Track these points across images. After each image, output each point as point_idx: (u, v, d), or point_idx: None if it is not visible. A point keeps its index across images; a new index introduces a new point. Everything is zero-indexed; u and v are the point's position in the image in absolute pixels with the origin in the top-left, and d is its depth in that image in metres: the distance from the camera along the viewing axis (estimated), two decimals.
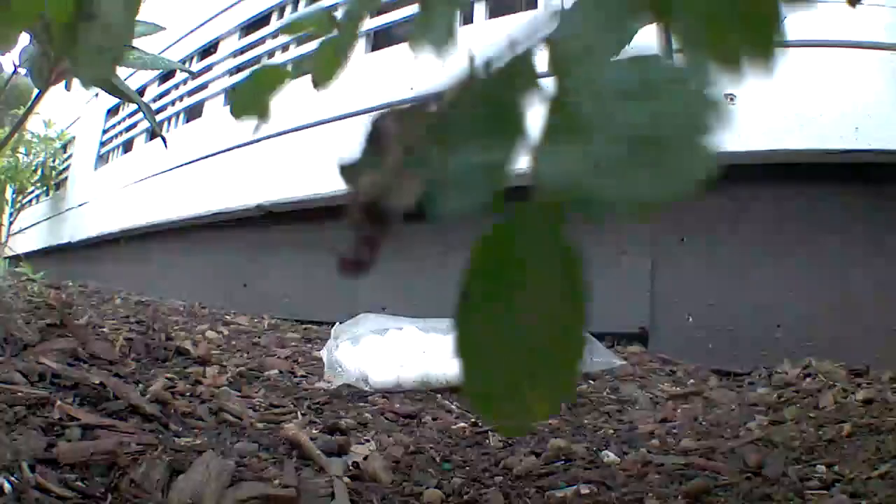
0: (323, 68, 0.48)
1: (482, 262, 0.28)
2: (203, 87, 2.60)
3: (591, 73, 0.26)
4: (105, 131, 3.43)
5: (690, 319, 1.38)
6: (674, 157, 0.24)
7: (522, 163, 0.26)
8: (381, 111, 0.28)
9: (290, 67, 0.50)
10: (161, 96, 2.89)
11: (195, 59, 2.69)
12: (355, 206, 0.26)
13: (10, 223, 4.10)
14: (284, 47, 2.23)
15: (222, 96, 2.47)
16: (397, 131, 0.27)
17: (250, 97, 0.48)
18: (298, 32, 0.50)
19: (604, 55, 0.27)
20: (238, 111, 0.47)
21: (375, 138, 0.27)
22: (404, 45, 1.81)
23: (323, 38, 0.48)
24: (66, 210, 3.61)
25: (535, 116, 0.27)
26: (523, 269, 0.27)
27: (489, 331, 0.28)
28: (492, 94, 0.28)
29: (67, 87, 0.98)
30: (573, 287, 0.27)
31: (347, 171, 0.27)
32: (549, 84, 0.27)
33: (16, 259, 3.45)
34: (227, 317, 1.96)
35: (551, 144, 0.26)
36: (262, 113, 0.49)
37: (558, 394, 0.28)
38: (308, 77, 0.48)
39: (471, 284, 0.27)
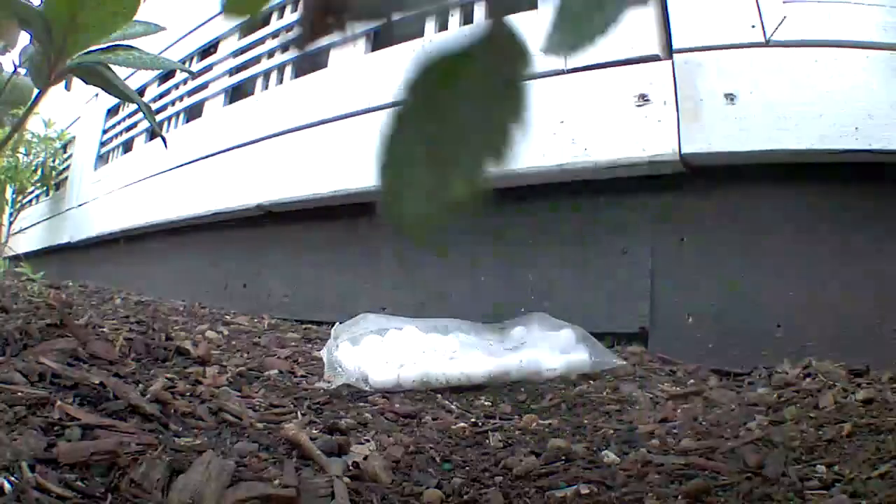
0: None
1: (427, 71, 0.27)
2: (203, 87, 2.59)
3: None
4: (105, 131, 3.43)
5: (690, 319, 1.38)
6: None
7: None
8: None
9: None
10: (161, 96, 2.89)
11: (195, 59, 2.69)
12: None
13: (10, 223, 4.09)
14: (284, 47, 2.23)
15: (222, 96, 2.47)
16: None
17: None
18: None
19: None
20: (231, 9, 0.46)
21: None
22: (404, 45, 1.81)
23: None
24: (66, 210, 3.61)
25: None
26: (468, 68, 0.26)
27: (416, 133, 0.26)
28: None
29: (67, 87, 0.98)
30: (514, 80, 0.26)
31: None
32: None
33: (16, 259, 3.45)
34: (227, 317, 1.96)
35: None
36: (253, 13, 0.48)
37: (479, 173, 0.26)
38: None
39: (409, 86, 0.26)
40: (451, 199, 0.26)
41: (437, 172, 0.26)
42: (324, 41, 0.26)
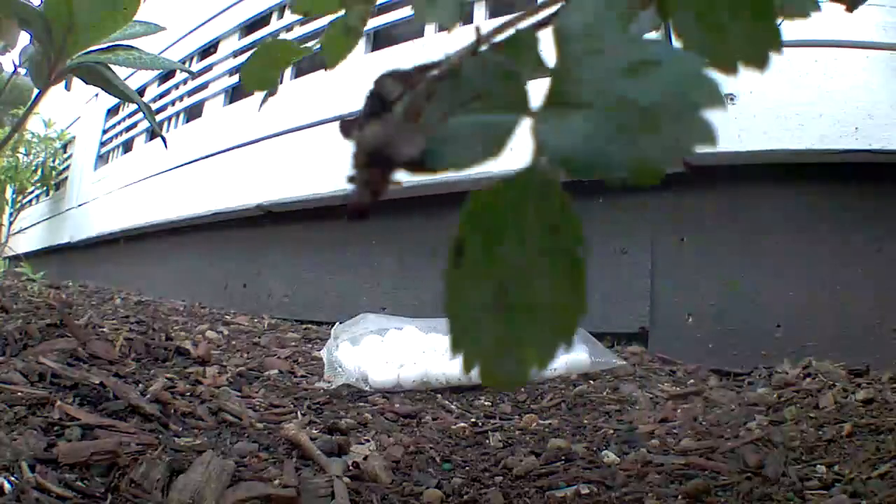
0: (333, 48, 0.48)
1: (478, 217, 0.27)
2: (203, 87, 2.59)
3: (592, 47, 0.27)
4: (105, 131, 3.43)
5: (690, 319, 1.38)
6: (670, 126, 0.24)
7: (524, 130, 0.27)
8: (384, 72, 0.28)
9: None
10: (161, 96, 2.89)
11: (195, 59, 2.69)
12: (360, 153, 0.26)
13: (10, 223, 4.09)
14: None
15: (222, 96, 2.47)
16: (400, 89, 0.27)
17: (261, 70, 0.49)
18: (305, 10, 0.50)
19: (605, 33, 0.28)
20: (248, 83, 0.47)
21: (378, 96, 0.27)
22: (404, 45, 1.81)
23: (331, 17, 0.48)
24: (66, 210, 3.61)
25: (537, 87, 0.28)
26: (520, 224, 0.27)
27: (480, 286, 0.27)
28: (495, 61, 0.28)
29: (67, 87, 0.98)
30: (570, 243, 0.27)
31: (348, 126, 0.27)
32: (551, 57, 0.28)
33: (16, 259, 3.45)
34: (227, 317, 1.96)
35: (552, 112, 0.26)
36: (271, 86, 0.49)
37: (552, 348, 0.28)
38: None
39: (466, 239, 0.27)
40: (525, 368, 0.28)
41: (504, 336, 0.27)
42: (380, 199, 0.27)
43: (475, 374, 0.28)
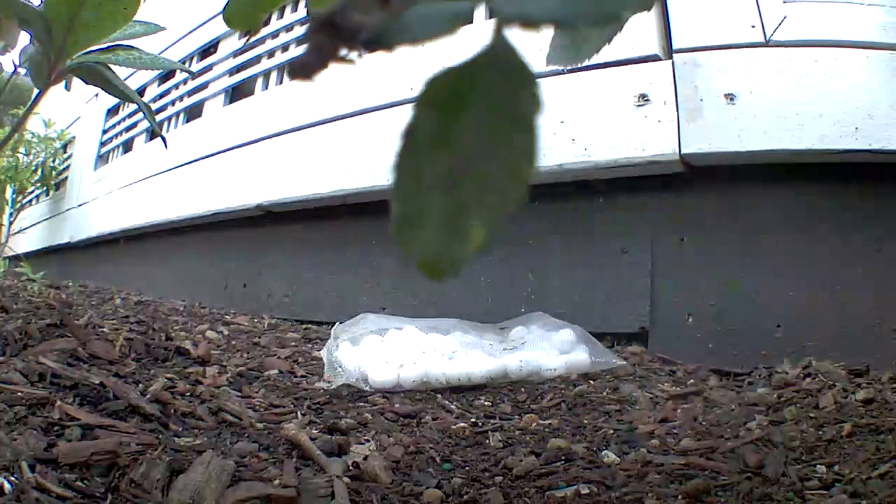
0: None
1: (433, 98, 0.27)
2: (203, 87, 2.60)
3: None
4: (105, 131, 3.43)
5: (690, 319, 1.38)
6: None
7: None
8: None
9: None
10: (161, 96, 2.89)
11: (195, 59, 2.69)
12: (314, 19, 0.26)
13: (10, 223, 4.09)
14: (285, 47, 2.23)
15: (222, 96, 2.47)
16: None
17: (246, 8, 0.48)
18: None
19: None
20: (232, 20, 0.47)
21: None
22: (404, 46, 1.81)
23: None
24: (66, 210, 3.61)
25: None
26: (471, 95, 0.27)
27: (430, 165, 0.27)
28: None
29: (67, 87, 0.98)
30: (527, 109, 0.26)
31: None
32: None
33: (16, 259, 3.45)
34: (227, 317, 1.96)
35: None
36: (255, 26, 0.49)
37: (498, 215, 0.26)
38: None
39: (418, 120, 0.27)
40: (468, 244, 0.26)
41: (452, 210, 0.26)
42: (327, 67, 0.27)
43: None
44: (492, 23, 0.26)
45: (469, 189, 0.26)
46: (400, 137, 0.27)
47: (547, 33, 0.29)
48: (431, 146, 0.27)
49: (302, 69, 0.26)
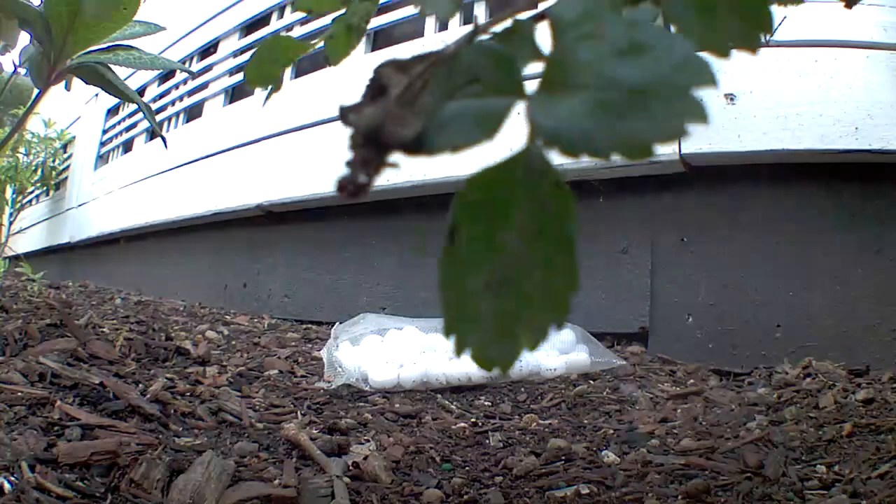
0: (336, 46, 0.48)
1: (473, 201, 0.28)
2: (203, 87, 2.60)
3: (586, 32, 0.27)
4: (105, 131, 3.43)
5: (690, 319, 1.38)
6: (663, 105, 0.25)
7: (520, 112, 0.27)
8: (384, 61, 0.28)
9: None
10: (161, 96, 2.89)
11: (195, 59, 2.69)
12: (356, 133, 0.27)
13: (10, 223, 4.09)
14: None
15: (222, 96, 2.47)
16: (399, 76, 0.28)
17: (264, 67, 0.49)
18: (308, 7, 0.50)
19: (599, 19, 0.28)
20: (252, 79, 0.48)
21: (377, 83, 0.28)
22: (404, 46, 1.81)
23: (334, 15, 0.48)
24: (66, 210, 3.62)
25: (533, 73, 0.28)
26: (513, 206, 0.27)
27: (474, 270, 0.28)
28: (492, 48, 0.29)
29: (67, 87, 0.98)
30: (562, 222, 0.27)
31: (347, 111, 0.28)
32: (547, 46, 0.28)
33: (16, 259, 3.45)
34: (227, 317, 1.96)
35: (546, 94, 0.27)
36: (274, 82, 0.50)
37: (545, 328, 0.28)
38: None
39: (460, 223, 0.27)
40: (519, 347, 0.28)
41: (500, 316, 0.28)
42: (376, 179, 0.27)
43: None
44: (527, 129, 0.27)
45: (515, 297, 0.28)
46: (445, 239, 0.28)
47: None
48: (477, 253, 0.28)
49: (352, 186, 0.27)
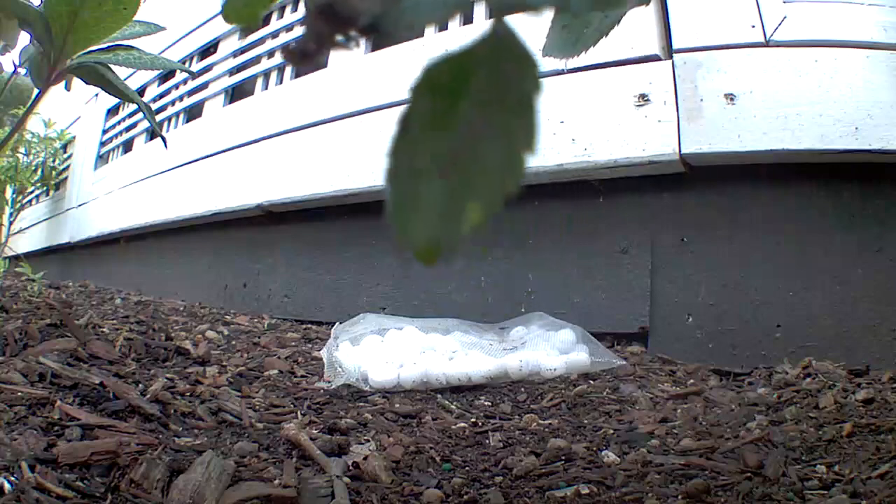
0: None
1: (430, 84, 0.27)
2: (203, 87, 2.59)
3: None
4: (105, 131, 3.43)
5: (690, 319, 1.38)
6: None
7: None
8: None
9: None
10: (161, 96, 2.89)
11: (195, 59, 2.69)
12: (314, 4, 0.26)
13: (10, 223, 4.09)
14: (285, 47, 2.22)
15: (222, 96, 2.47)
16: None
17: (245, 3, 0.48)
18: None
19: None
20: (230, 15, 0.47)
21: None
22: (404, 45, 1.81)
23: None
24: (66, 210, 3.61)
25: None
26: (470, 75, 0.27)
27: (427, 151, 0.26)
28: None
29: (67, 87, 0.98)
30: (522, 84, 0.26)
31: None
32: None
33: (16, 259, 3.45)
34: (227, 317, 1.96)
35: None
36: (253, 21, 0.49)
37: (500, 195, 0.26)
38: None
39: (414, 106, 0.27)
40: (466, 225, 0.26)
41: (449, 193, 0.26)
42: (325, 54, 0.27)
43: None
44: (491, 12, 0.26)
45: (468, 171, 0.26)
46: (396, 123, 0.27)
47: (545, 21, 0.29)
48: (429, 130, 0.26)
49: (299, 54, 0.26)
